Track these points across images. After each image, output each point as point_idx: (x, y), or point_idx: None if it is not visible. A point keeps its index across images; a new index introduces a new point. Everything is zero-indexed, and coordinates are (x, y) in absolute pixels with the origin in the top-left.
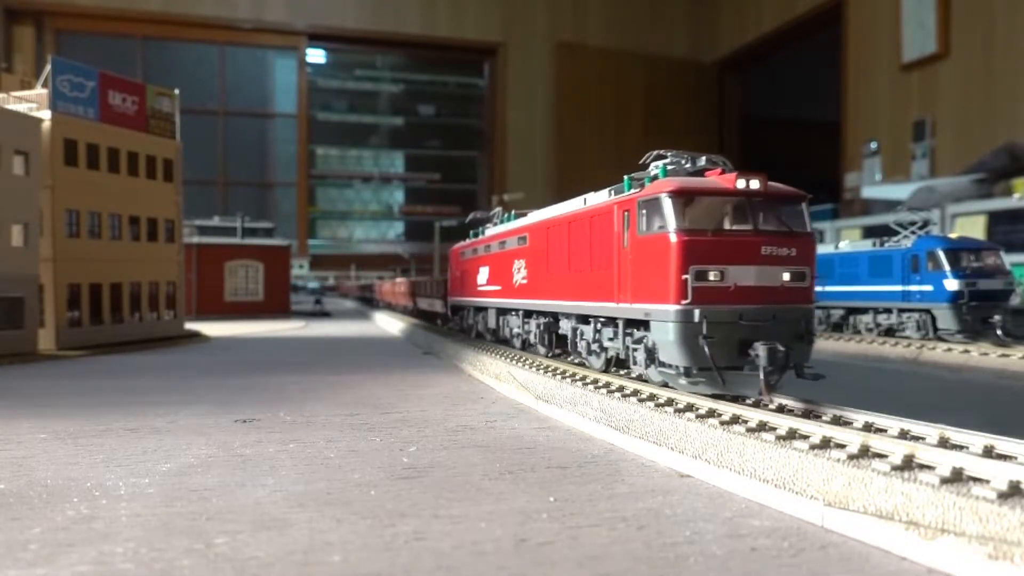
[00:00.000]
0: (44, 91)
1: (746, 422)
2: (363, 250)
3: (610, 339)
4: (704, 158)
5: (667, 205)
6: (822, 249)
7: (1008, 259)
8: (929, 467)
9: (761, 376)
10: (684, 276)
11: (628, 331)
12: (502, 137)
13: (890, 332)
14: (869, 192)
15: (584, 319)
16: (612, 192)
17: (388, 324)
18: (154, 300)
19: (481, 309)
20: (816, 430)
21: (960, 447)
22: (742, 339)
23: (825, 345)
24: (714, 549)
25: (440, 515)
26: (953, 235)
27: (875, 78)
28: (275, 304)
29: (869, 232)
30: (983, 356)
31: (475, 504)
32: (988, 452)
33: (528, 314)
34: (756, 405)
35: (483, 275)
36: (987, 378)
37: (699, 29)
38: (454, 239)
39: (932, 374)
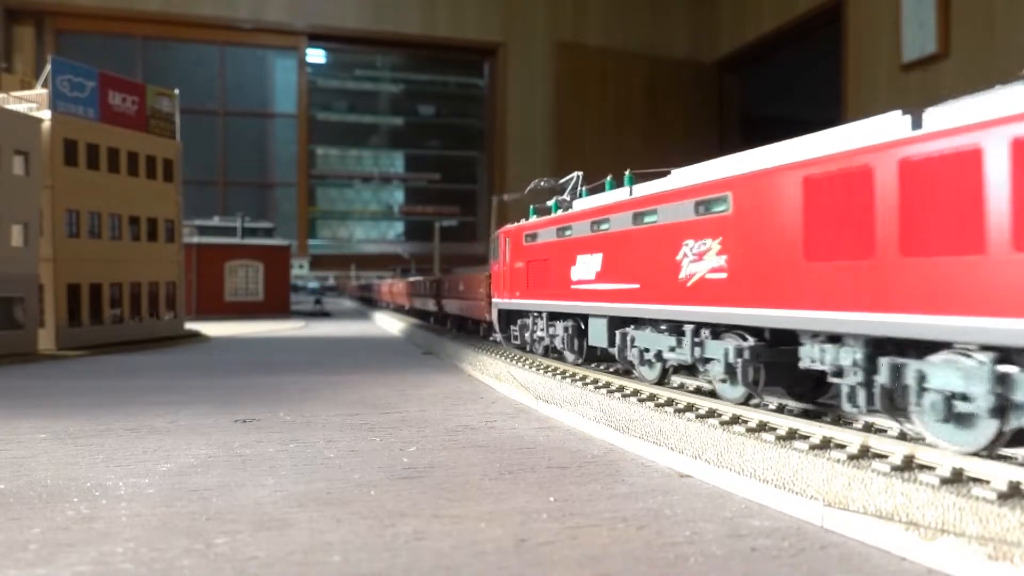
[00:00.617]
0: (44, 91)
1: (746, 422)
2: (363, 250)
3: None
4: None
5: None
6: None
7: None
8: (929, 468)
9: None
10: None
11: None
12: (502, 137)
13: None
14: None
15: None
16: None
17: (388, 324)
18: (154, 300)
19: (568, 317)
20: (816, 430)
21: None
22: None
23: None
24: (714, 549)
25: (440, 515)
26: None
27: (875, 78)
28: (275, 304)
29: None
30: None
31: (475, 504)
32: (988, 453)
33: (678, 330)
34: (756, 406)
35: (584, 267)
36: None
37: (699, 29)
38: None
39: None
